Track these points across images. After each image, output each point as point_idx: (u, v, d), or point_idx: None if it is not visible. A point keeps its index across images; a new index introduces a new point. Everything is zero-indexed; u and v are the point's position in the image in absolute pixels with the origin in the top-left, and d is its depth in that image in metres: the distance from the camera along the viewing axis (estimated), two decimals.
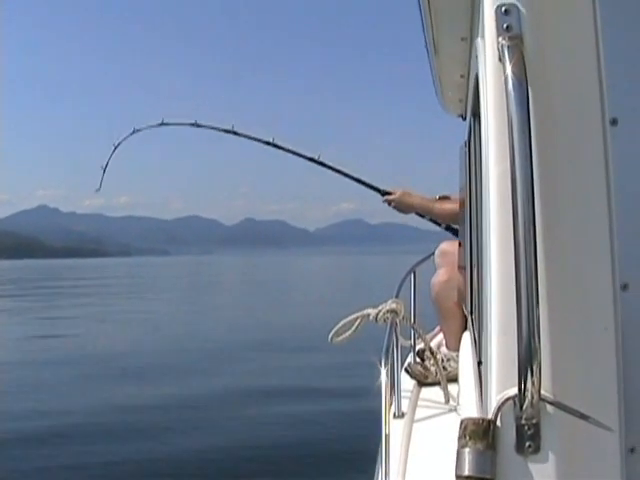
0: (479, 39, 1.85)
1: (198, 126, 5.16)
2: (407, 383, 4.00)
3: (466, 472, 1.39)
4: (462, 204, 3.65)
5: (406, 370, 4.17)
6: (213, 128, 5.20)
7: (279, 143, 5.03)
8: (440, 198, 4.48)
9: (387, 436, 2.50)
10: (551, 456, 1.41)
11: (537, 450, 1.41)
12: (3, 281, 70.26)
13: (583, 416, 1.41)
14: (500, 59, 1.50)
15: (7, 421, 10.32)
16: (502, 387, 1.45)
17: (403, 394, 3.67)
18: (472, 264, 2.84)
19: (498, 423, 1.43)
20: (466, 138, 3.61)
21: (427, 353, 4.08)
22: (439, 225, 4.61)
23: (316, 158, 4.87)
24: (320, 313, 22.12)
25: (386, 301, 3.40)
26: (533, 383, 1.38)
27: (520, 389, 1.39)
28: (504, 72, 1.47)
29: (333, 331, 3.33)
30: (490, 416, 1.44)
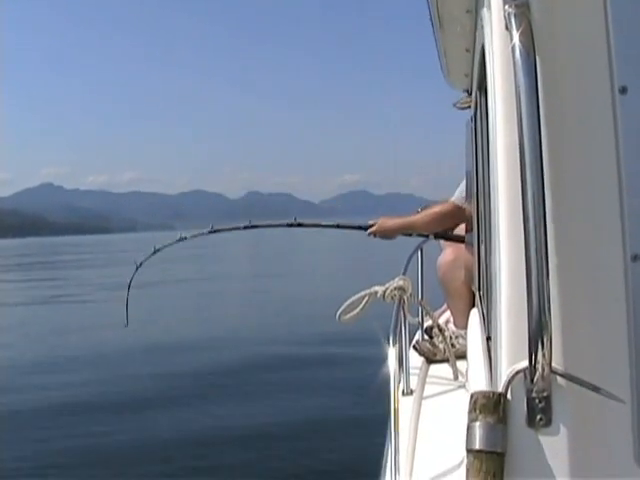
0: (485, 9, 1.81)
1: (216, 231, 5.09)
2: (415, 360, 4.00)
3: (477, 446, 1.39)
4: (469, 180, 3.63)
5: (414, 347, 4.17)
6: (229, 229, 5.16)
7: (257, 223, 5.07)
8: (421, 210, 4.47)
9: (396, 412, 2.50)
10: (562, 429, 1.41)
11: (548, 423, 1.41)
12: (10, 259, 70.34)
13: (595, 388, 1.40)
14: (507, 27, 1.47)
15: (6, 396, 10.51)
16: (512, 360, 1.44)
17: (412, 371, 3.67)
18: (480, 240, 2.84)
19: (509, 396, 1.43)
20: (472, 113, 3.58)
21: (435, 330, 4.07)
22: (427, 237, 4.58)
23: (293, 222, 4.92)
24: (327, 287, 22.11)
25: (393, 278, 3.38)
26: (544, 355, 1.37)
27: (531, 362, 1.38)
28: (511, 40, 1.44)
29: (341, 309, 3.32)
30: (500, 389, 1.44)
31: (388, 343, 2.80)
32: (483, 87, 2.24)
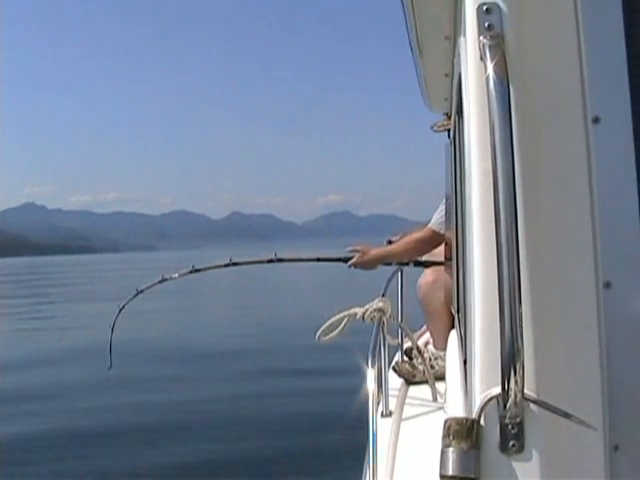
0: (462, 38, 1.83)
1: (197, 271, 5.09)
2: (395, 382, 4.00)
3: (450, 472, 1.39)
4: (449, 200, 3.65)
5: (394, 369, 4.18)
6: (210, 268, 5.13)
7: (238, 260, 5.10)
8: (400, 237, 4.53)
9: (374, 435, 2.50)
10: (535, 455, 1.41)
11: (521, 449, 1.40)
12: None
13: (567, 415, 1.41)
14: (482, 58, 1.49)
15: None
16: (485, 386, 1.44)
17: (391, 393, 3.67)
18: (458, 262, 2.85)
19: (482, 422, 1.43)
20: (451, 136, 3.61)
21: (414, 352, 4.08)
22: (407, 264, 4.64)
23: (273, 258, 4.96)
24: (308, 308, 22.05)
25: (373, 300, 3.39)
26: (516, 382, 1.37)
27: (503, 388, 1.38)
28: (485, 71, 1.46)
29: (320, 330, 3.32)
30: (474, 415, 1.44)
31: (367, 364, 2.79)
32: (461, 112, 2.26)
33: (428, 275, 4.26)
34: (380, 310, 3.34)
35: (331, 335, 3.34)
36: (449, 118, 3.90)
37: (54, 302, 37.20)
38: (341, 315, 3.35)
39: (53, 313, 30.20)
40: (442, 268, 4.14)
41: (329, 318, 3.32)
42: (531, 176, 1.49)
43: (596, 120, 1.52)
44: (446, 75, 3.18)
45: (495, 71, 1.44)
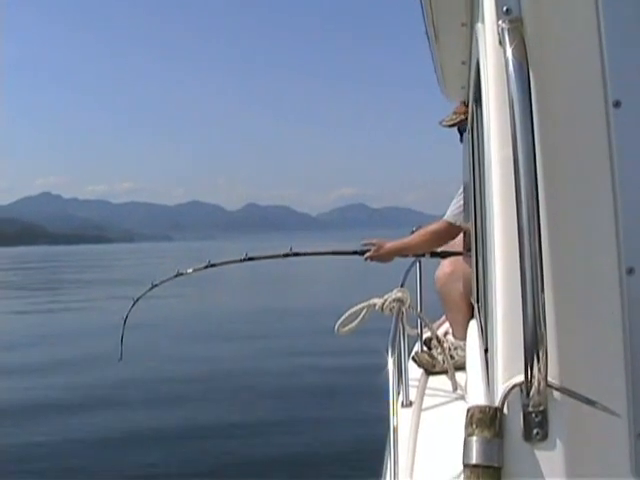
0: (479, 24, 1.82)
1: (213, 266, 5.05)
2: (414, 372, 3.99)
3: (474, 461, 1.39)
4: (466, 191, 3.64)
5: (413, 359, 4.17)
6: (226, 263, 5.12)
7: (254, 255, 5.06)
8: (416, 230, 4.53)
9: (395, 425, 2.48)
10: (559, 443, 1.40)
11: (545, 437, 1.40)
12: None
13: (590, 402, 1.40)
14: (500, 42, 1.47)
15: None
16: (508, 375, 1.44)
17: (410, 383, 3.66)
18: (478, 252, 2.83)
19: (505, 411, 1.42)
20: (469, 125, 3.58)
21: (434, 342, 4.07)
22: (423, 256, 4.64)
23: (290, 252, 4.96)
24: (324, 300, 22.05)
25: (391, 290, 3.38)
26: (539, 370, 1.36)
27: (526, 376, 1.38)
28: (504, 55, 1.44)
29: (339, 322, 3.31)
30: (497, 404, 1.43)
31: (387, 355, 2.77)
32: (479, 100, 2.24)
33: (446, 266, 4.25)
34: (399, 300, 3.32)
35: (350, 326, 3.32)
36: (466, 107, 3.88)
37: (69, 289, 37.52)
38: (360, 306, 3.33)
39: (69, 299, 30.37)
40: (459, 259, 4.13)
41: (347, 309, 3.31)
42: (552, 162, 1.47)
43: (617, 104, 1.50)
44: (463, 63, 3.15)
45: (514, 55, 1.43)
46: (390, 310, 3.29)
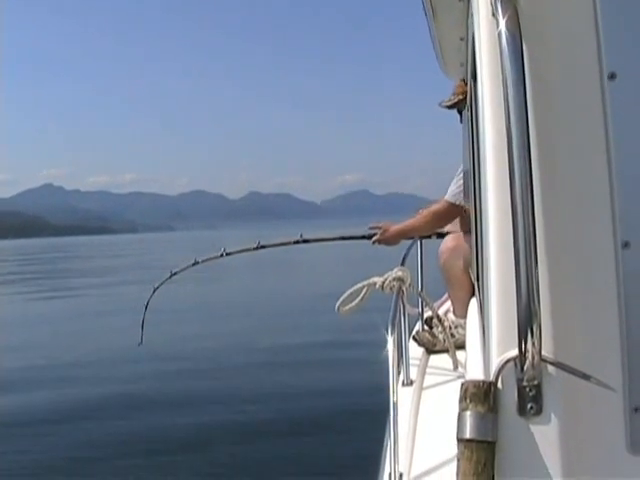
0: None
1: (228, 254, 5.14)
2: (415, 351, 4.00)
3: (467, 435, 1.38)
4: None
5: (414, 338, 4.19)
6: (241, 251, 5.20)
7: (265, 243, 5.12)
8: (420, 212, 4.57)
9: (395, 404, 2.49)
10: (553, 418, 1.40)
11: (539, 412, 1.40)
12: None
13: (585, 376, 1.40)
14: (493, 14, 1.46)
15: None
16: (502, 349, 1.43)
17: (411, 362, 3.67)
18: (477, 228, 2.83)
19: (499, 385, 1.42)
20: (468, 102, 3.56)
21: (435, 321, 4.09)
22: (429, 237, 4.70)
23: (299, 239, 5.02)
24: (327, 286, 22.16)
25: (392, 269, 3.38)
26: (534, 344, 1.36)
27: (520, 350, 1.37)
28: (497, 27, 1.43)
29: (340, 301, 3.32)
30: (491, 378, 1.43)
31: (387, 334, 2.77)
32: (476, 75, 2.22)
33: (449, 241, 4.28)
34: (399, 279, 3.32)
35: (350, 305, 3.33)
36: (465, 84, 3.88)
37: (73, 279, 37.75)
38: (360, 285, 3.34)
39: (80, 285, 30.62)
40: (462, 235, 4.16)
41: (348, 288, 3.32)
42: (546, 134, 1.46)
43: (612, 76, 1.48)
44: (461, 39, 3.14)
45: (507, 27, 1.41)
46: (390, 289, 3.30)
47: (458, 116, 4.41)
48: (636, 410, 1.48)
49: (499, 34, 1.42)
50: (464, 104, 4.20)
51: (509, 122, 1.39)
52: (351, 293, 3.34)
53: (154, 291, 5.25)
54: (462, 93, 4.22)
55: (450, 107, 4.37)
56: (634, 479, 1.46)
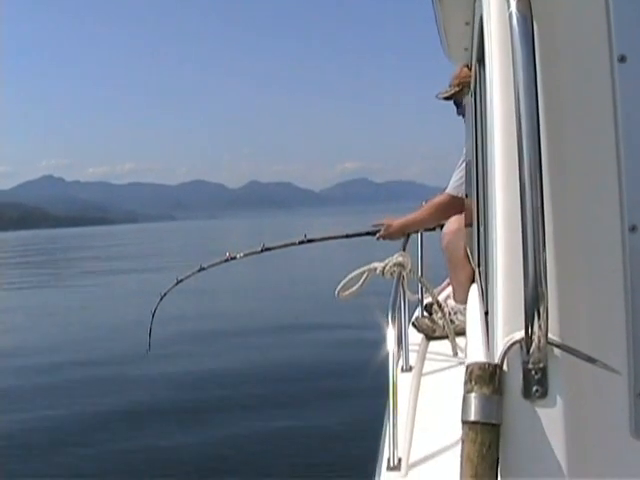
0: None
1: (233, 259, 5.13)
2: (415, 337, 4.02)
3: (472, 417, 1.38)
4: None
5: (414, 324, 4.22)
6: (246, 255, 5.19)
7: (270, 245, 5.17)
8: (422, 205, 4.60)
9: (394, 389, 2.51)
10: (558, 400, 1.40)
11: (544, 395, 1.40)
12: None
13: (591, 359, 1.39)
14: None
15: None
16: (508, 331, 1.43)
17: (411, 348, 3.68)
18: (480, 213, 2.83)
19: (504, 367, 1.42)
20: (472, 88, 3.55)
21: (435, 307, 4.10)
22: (433, 229, 4.73)
23: (304, 239, 5.04)
24: (326, 273, 22.18)
25: (392, 255, 3.38)
26: (540, 326, 1.35)
27: (527, 332, 1.37)
28: (508, 8, 1.42)
29: (340, 286, 3.32)
30: (496, 361, 1.43)
31: (387, 320, 2.77)
32: (482, 60, 2.21)
33: (452, 223, 4.30)
34: (400, 265, 3.33)
35: (351, 290, 3.34)
36: (469, 69, 3.87)
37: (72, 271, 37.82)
38: (360, 270, 3.35)
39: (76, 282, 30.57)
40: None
41: (348, 273, 3.32)
42: (555, 116, 1.45)
43: (622, 59, 1.46)
44: (467, 24, 3.13)
45: (518, 8, 1.40)
46: (391, 274, 3.31)
47: (455, 108, 4.45)
48: None
49: (510, 15, 1.41)
50: (460, 97, 4.26)
51: (518, 103, 1.38)
52: (351, 278, 3.34)
53: (161, 299, 5.26)
54: (458, 85, 4.28)
55: (447, 99, 4.40)
56: (637, 463, 1.45)
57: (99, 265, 41.20)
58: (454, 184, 4.29)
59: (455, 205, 4.28)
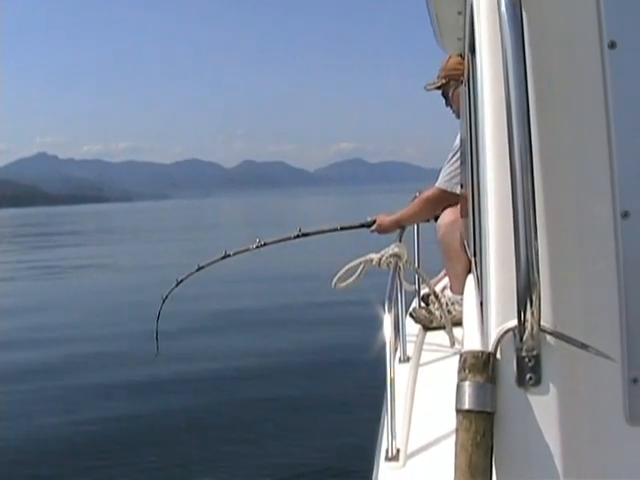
0: None
1: (228, 256, 5.16)
2: (412, 328, 4.00)
3: (466, 406, 1.38)
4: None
5: (411, 315, 4.21)
6: (241, 252, 5.21)
7: (267, 240, 5.16)
8: (412, 200, 4.59)
9: (392, 380, 2.50)
10: (552, 388, 1.40)
11: (538, 382, 1.40)
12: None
13: (584, 346, 1.39)
14: None
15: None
16: (501, 319, 1.43)
17: (408, 339, 3.66)
18: (474, 204, 2.84)
19: (498, 355, 1.41)
20: (465, 77, 3.54)
21: (431, 297, 4.09)
22: (428, 221, 4.73)
23: (299, 233, 5.03)
24: (319, 255, 22.03)
25: (389, 246, 3.36)
26: (533, 314, 1.35)
27: (520, 320, 1.36)
28: None
29: (337, 277, 3.29)
30: (490, 349, 1.42)
31: (384, 310, 2.77)
32: (474, 48, 2.21)
33: (447, 215, 4.29)
34: (396, 255, 3.30)
35: (347, 282, 3.31)
36: (463, 59, 3.86)
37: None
38: (357, 261, 3.32)
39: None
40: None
41: (345, 265, 3.30)
42: (546, 104, 1.45)
43: (612, 45, 1.46)
44: (459, 13, 3.10)
45: None
46: (387, 265, 3.28)
47: (443, 100, 4.45)
48: (634, 381, 1.47)
49: (499, 2, 1.40)
50: (447, 88, 4.29)
51: (508, 91, 1.38)
52: (348, 269, 3.32)
53: (163, 301, 5.27)
54: (445, 77, 4.30)
55: (437, 89, 4.39)
56: (631, 449, 1.45)
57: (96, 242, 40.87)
58: (444, 178, 4.28)
59: (445, 199, 4.28)
